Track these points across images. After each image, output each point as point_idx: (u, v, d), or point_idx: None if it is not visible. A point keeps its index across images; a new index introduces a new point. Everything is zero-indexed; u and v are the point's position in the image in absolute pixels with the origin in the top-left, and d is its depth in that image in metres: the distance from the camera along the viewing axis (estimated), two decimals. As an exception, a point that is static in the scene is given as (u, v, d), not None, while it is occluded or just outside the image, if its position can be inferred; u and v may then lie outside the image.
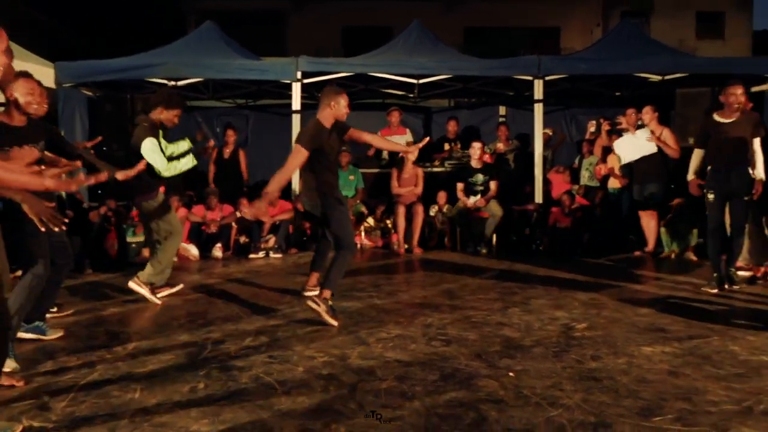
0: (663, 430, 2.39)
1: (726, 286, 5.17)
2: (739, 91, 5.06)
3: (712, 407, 2.61)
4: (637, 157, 7.26)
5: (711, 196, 5.22)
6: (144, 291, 4.74)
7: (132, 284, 4.76)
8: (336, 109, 4.36)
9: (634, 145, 7.24)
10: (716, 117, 5.22)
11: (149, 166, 4.59)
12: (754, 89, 8.18)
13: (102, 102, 8.60)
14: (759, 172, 5.12)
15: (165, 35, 11.67)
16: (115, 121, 8.28)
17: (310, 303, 4.12)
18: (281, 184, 4.34)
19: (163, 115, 4.80)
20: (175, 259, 7.09)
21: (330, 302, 4.12)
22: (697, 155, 5.44)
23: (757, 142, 5.13)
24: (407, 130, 9.01)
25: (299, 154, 4.28)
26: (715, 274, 5.19)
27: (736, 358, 3.30)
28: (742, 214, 5.17)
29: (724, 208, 5.27)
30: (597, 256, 7.19)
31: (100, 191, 8.04)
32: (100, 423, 2.50)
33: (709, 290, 5.12)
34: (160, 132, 4.80)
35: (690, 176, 5.48)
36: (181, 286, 5.16)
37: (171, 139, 5.04)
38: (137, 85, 8.83)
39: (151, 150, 4.64)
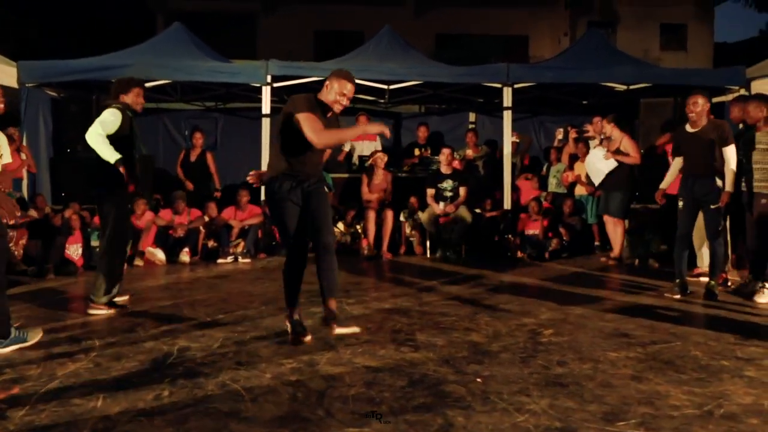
0: (627, 435, 2.43)
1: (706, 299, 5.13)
2: (699, 101, 5.18)
3: (674, 411, 2.66)
4: (602, 178, 7.25)
5: (681, 203, 5.36)
6: (104, 311, 4.51)
7: (91, 311, 4.51)
8: (328, 93, 3.67)
9: (599, 165, 7.23)
10: (686, 127, 5.35)
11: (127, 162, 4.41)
12: (715, 100, 8.40)
13: (66, 103, 8.42)
14: (726, 182, 5.10)
15: (134, 35, 11.51)
16: (81, 123, 8.07)
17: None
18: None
19: (128, 98, 4.63)
20: (140, 263, 7.03)
21: (293, 318, 3.77)
22: (674, 165, 5.59)
23: (729, 151, 5.09)
24: (377, 136, 9.02)
25: (315, 121, 3.52)
26: (678, 280, 5.30)
27: (697, 362, 3.37)
28: (711, 223, 5.23)
29: (693, 216, 5.37)
30: (564, 263, 7.29)
31: (63, 194, 7.88)
32: (60, 432, 2.44)
33: (672, 296, 5.22)
34: (132, 118, 4.61)
35: (662, 185, 5.63)
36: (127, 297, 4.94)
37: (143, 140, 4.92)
38: (103, 86, 8.63)
39: (108, 117, 4.41)
